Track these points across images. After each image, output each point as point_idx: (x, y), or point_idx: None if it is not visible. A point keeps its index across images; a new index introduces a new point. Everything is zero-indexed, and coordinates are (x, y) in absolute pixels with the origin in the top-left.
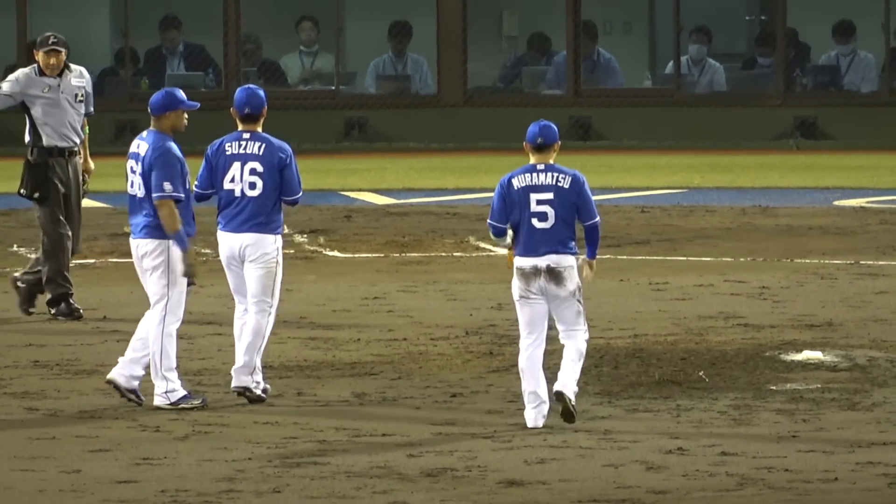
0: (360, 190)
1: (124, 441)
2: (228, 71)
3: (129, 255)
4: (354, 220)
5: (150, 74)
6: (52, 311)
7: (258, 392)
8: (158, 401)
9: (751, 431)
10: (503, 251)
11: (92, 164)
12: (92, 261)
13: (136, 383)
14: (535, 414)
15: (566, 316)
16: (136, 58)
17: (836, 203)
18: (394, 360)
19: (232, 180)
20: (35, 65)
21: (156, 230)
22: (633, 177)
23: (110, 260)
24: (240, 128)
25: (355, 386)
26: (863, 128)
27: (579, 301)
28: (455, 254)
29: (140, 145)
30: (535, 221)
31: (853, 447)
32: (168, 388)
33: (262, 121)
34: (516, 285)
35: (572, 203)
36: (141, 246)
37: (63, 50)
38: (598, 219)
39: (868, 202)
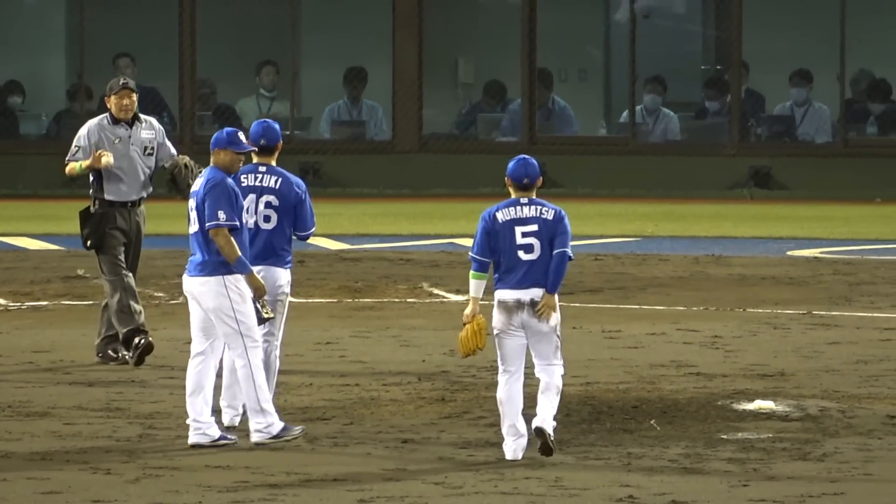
0: (315, 236)
1: (75, 483)
2: (183, 115)
3: (82, 297)
4: (308, 264)
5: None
6: (127, 355)
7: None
8: (258, 437)
9: (702, 480)
10: (461, 298)
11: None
12: (45, 303)
13: (215, 431)
14: (514, 447)
15: (544, 350)
16: (91, 96)
17: (789, 253)
18: (346, 405)
19: (246, 212)
20: (107, 114)
21: (213, 267)
22: (586, 224)
23: (63, 302)
24: (255, 160)
25: (307, 430)
26: (817, 178)
27: (558, 336)
28: (408, 300)
29: (198, 182)
30: (521, 254)
31: (804, 497)
32: (268, 421)
33: (276, 154)
34: (497, 319)
35: (553, 234)
36: (196, 284)
37: (135, 92)
38: (568, 251)
39: (821, 252)
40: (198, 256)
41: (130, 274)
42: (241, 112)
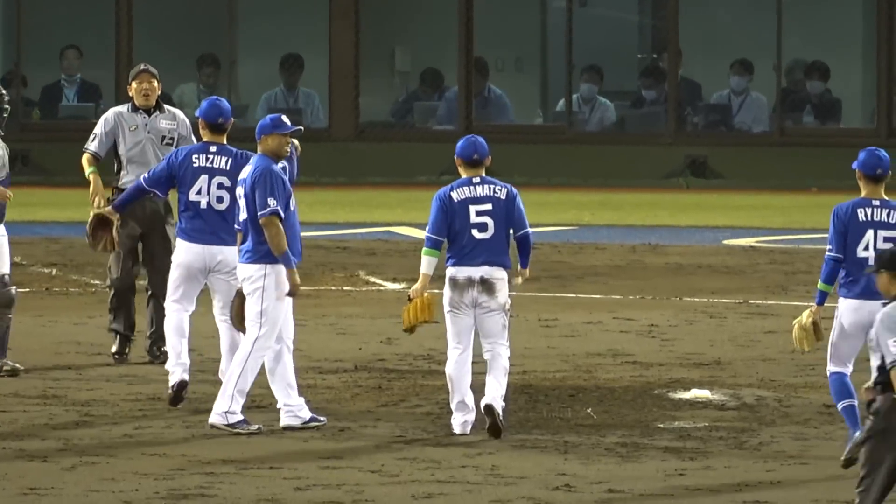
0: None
1: (11, 471)
2: (120, 101)
3: (16, 284)
4: None
5: (43, 104)
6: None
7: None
8: (216, 419)
9: (638, 469)
10: (398, 286)
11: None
12: None
13: (306, 412)
14: (462, 421)
15: (492, 329)
16: (27, 84)
17: (725, 242)
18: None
19: (198, 192)
20: (130, 101)
21: (258, 254)
22: None
23: None
24: (204, 139)
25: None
26: (753, 168)
27: (506, 314)
28: (345, 288)
29: (246, 170)
30: (475, 232)
31: (740, 486)
32: (231, 408)
33: (224, 134)
34: (447, 296)
35: (508, 214)
36: (242, 271)
37: (155, 78)
38: (529, 229)
39: (757, 241)
40: (247, 243)
41: (136, 271)
42: (180, 99)
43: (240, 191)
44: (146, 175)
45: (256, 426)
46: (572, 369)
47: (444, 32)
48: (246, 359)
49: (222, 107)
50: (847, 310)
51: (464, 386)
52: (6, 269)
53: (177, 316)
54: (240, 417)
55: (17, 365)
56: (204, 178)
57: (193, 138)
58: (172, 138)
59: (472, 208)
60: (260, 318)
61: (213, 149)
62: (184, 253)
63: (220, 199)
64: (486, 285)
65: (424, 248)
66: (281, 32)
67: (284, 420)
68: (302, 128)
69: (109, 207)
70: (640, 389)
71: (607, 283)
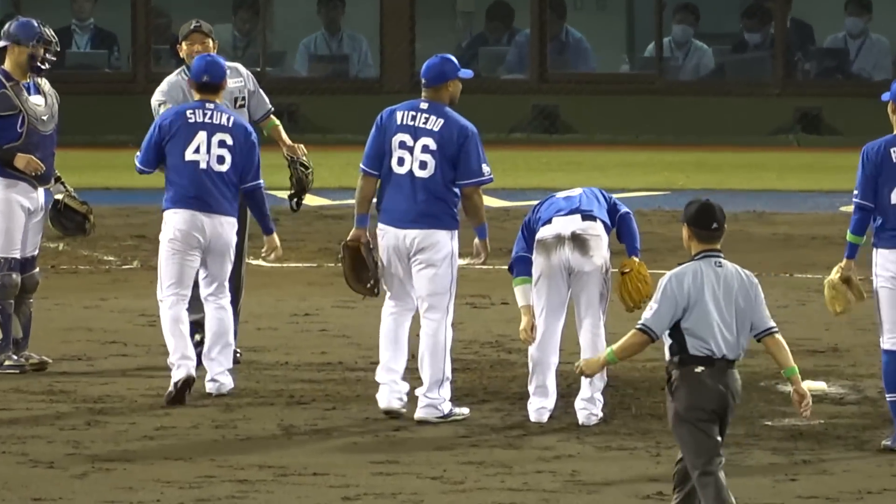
0: (288, 189)
1: (12, 479)
2: (137, 49)
3: None
4: (282, 223)
5: None
6: None
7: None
8: (426, 413)
9: (743, 473)
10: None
11: (301, 146)
12: None
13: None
14: (539, 407)
15: (590, 299)
16: None
17: (842, 209)
18: (327, 387)
19: (196, 151)
20: (183, 66)
21: (442, 220)
22: (606, 176)
23: None
24: (196, 98)
25: (283, 417)
26: (874, 121)
27: (606, 281)
28: None
29: (428, 120)
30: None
31: (861, 493)
32: (442, 396)
33: (220, 94)
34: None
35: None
36: (420, 238)
37: (210, 36)
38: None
39: None
40: (426, 205)
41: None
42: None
43: (427, 141)
44: (140, 156)
45: (467, 409)
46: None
47: None
48: (445, 338)
49: (212, 63)
50: (886, 261)
51: (547, 368)
52: (32, 250)
53: (172, 311)
54: (450, 406)
55: (45, 357)
56: (202, 134)
57: (261, 92)
58: (244, 98)
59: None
60: (451, 288)
61: (210, 105)
62: (173, 224)
63: (220, 160)
64: (579, 242)
65: (515, 277)
66: None
67: (421, 412)
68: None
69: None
70: (744, 381)
71: None
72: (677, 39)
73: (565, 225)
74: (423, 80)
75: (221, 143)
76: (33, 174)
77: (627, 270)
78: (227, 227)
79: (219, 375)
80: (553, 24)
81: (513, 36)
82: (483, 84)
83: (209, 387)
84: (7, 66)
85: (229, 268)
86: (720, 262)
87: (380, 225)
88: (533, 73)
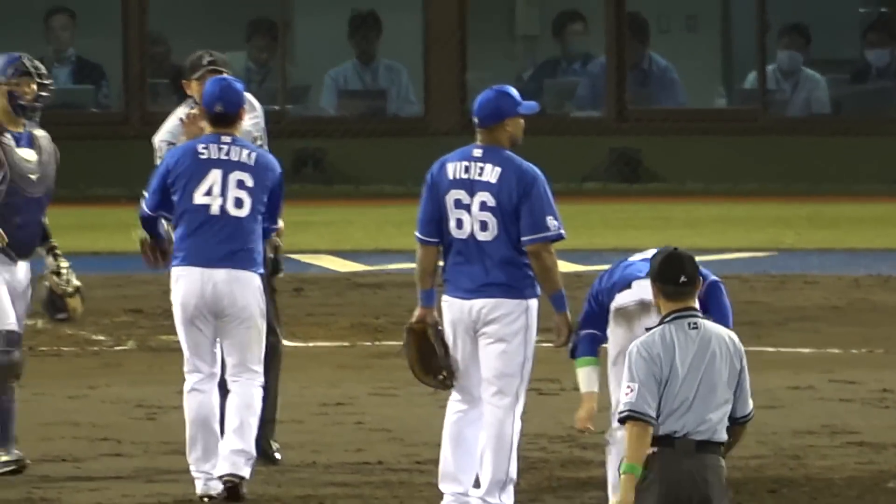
0: (315, 252)
1: None
2: (129, 83)
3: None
4: (308, 294)
5: None
6: None
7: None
8: None
9: None
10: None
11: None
12: None
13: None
14: None
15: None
16: None
17: None
18: (364, 491)
19: (208, 193)
20: (190, 101)
21: (513, 287)
22: (699, 234)
23: None
24: (209, 131)
25: None
26: None
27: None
28: None
29: (483, 169)
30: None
31: None
32: (504, 502)
33: (239, 125)
34: (616, 334)
35: None
36: (487, 309)
37: (226, 69)
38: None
39: None
40: (493, 273)
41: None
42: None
43: (485, 196)
44: (145, 195)
45: None
46: (773, 453)
47: None
48: (512, 431)
49: (227, 88)
50: None
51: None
52: (10, 322)
53: (191, 396)
54: None
55: (23, 457)
56: (216, 173)
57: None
58: (262, 137)
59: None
60: (523, 370)
61: (225, 139)
62: (180, 283)
63: (238, 203)
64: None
65: (578, 358)
66: None
67: None
68: (536, 104)
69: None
70: (869, 482)
71: (820, 332)
72: (784, 67)
73: (648, 289)
74: (476, 119)
75: (240, 184)
76: None
77: None
78: (245, 285)
79: (234, 457)
80: (634, 50)
81: (585, 65)
82: (550, 123)
83: (219, 470)
84: None
85: (256, 338)
86: (695, 323)
87: (444, 297)
88: (610, 109)
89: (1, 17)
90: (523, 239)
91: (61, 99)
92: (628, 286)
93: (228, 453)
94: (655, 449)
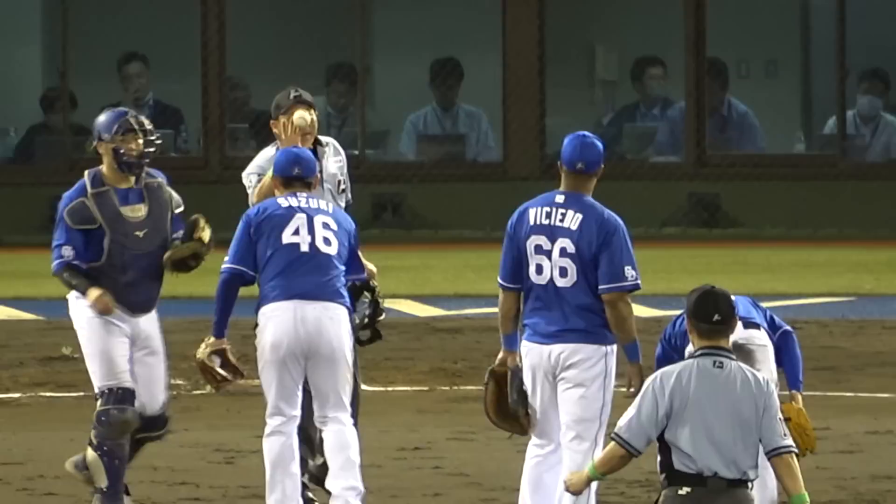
0: (394, 296)
1: None
2: (208, 128)
3: (68, 386)
4: (387, 338)
5: None
6: None
7: None
8: None
9: None
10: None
11: (371, 266)
12: (16, 395)
13: None
14: None
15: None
16: (76, 104)
17: None
18: None
19: (296, 233)
20: (276, 142)
21: (592, 333)
22: (778, 279)
23: (42, 394)
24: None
25: None
26: None
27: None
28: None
29: (565, 216)
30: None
31: None
32: None
33: (314, 190)
34: None
35: None
36: (566, 354)
37: (314, 108)
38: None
39: None
40: (571, 319)
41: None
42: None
43: (565, 242)
44: (228, 260)
45: None
46: (851, 498)
47: (665, 25)
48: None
49: (300, 155)
50: None
51: None
52: (122, 378)
53: (271, 439)
54: None
55: None
56: (301, 216)
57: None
58: (346, 181)
59: None
60: (601, 415)
61: (303, 193)
62: (274, 324)
63: (326, 241)
64: (744, 354)
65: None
66: (432, 25)
67: None
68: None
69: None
70: None
71: None
72: (863, 113)
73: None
74: (576, 165)
75: (325, 226)
76: (102, 314)
77: (786, 418)
78: (337, 320)
79: (346, 494)
80: (713, 95)
81: (664, 110)
82: (630, 168)
83: None
84: (103, 167)
85: (346, 375)
86: (721, 363)
87: (523, 342)
88: (689, 154)
89: (77, 62)
90: (600, 287)
91: None
92: None
93: (339, 491)
94: (688, 490)
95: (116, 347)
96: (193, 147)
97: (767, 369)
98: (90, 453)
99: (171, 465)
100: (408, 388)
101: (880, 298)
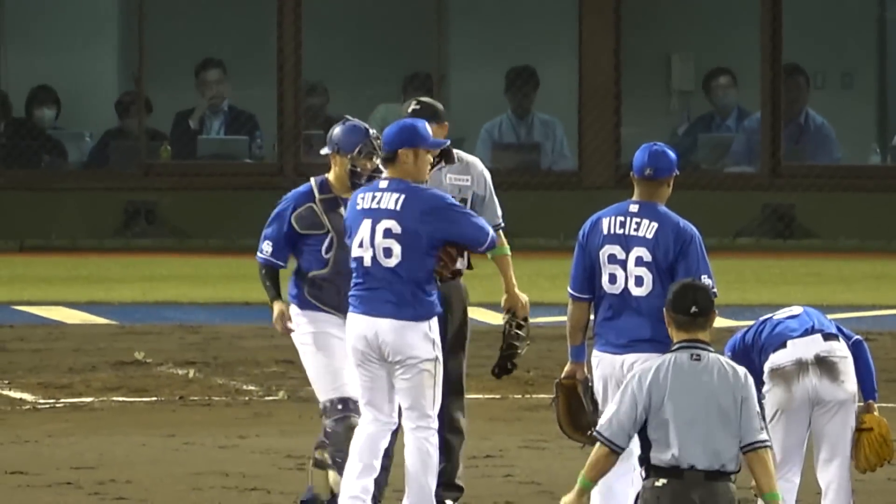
0: (470, 305)
1: None
2: (284, 134)
3: (140, 391)
4: None
5: (176, 138)
6: None
7: None
8: None
9: None
10: None
11: (523, 297)
12: (89, 399)
13: None
14: None
15: (836, 436)
16: (152, 108)
17: None
18: None
19: (360, 245)
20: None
21: (666, 343)
22: (852, 290)
23: (115, 398)
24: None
25: None
26: None
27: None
28: None
29: (640, 225)
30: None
31: None
32: None
33: (400, 165)
34: (776, 397)
35: None
36: (640, 363)
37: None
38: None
39: None
40: (643, 328)
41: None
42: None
43: (641, 252)
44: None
45: None
46: None
47: (742, 35)
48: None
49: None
50: None
51: None
52: (343, 387)
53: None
54: None
55: None
56: (367, 223)
57: (496, 200)
58: (469, 200)
59: None
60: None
61: (383, 184)
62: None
63: (388, 252)
64: (827, 366)
65: None
66: (508, 34)
67: None
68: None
69: None
70: None
71: None
72: None
73: (806, 348)
74: (650, 171)
75: (387, 233)
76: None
77: (867, 428)
78: (411, 335)
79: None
80: (791, 105)
81: (741, 120)
82: (705, 178)
83: None
84: (331, 175)
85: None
86: (698, 355)
87: (594, 352)
88: (764, 165)
89: (153, 67)
90: None
91: (215, 149)
92: (783, 345)
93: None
94: (664, 481)
95: (338, 359)
96: (268, 153)
97: (850, 381)
98: (333, 477)
99: (243, 471)
100: (480, 396)
101: None
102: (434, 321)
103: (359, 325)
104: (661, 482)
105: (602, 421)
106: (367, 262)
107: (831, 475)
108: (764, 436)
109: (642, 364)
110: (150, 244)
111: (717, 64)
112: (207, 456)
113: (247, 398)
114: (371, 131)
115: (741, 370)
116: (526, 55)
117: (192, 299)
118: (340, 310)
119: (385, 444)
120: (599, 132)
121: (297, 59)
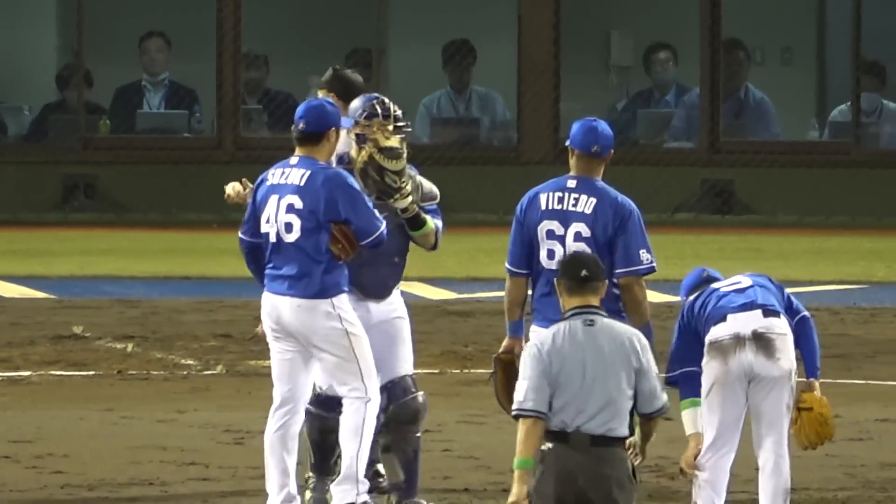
0: (405, 279)
1: None
2: (223, 108)
3: (78, 365)
4: None
5: (115, 112)
6: None
7: None
8: None
9: None
10: None
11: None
12: (27, 373)
13: None
14: None
15: (773, 414)
16: (92, 83)
17: None
18: None
19: (267, 221)
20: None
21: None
22: (790, 266)
23: (52, 372)
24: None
25: None
26: None
27: (792, 391)
28: None
29: (578, 200)
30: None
31: None
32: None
33: (324, 146)
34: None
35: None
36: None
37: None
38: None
39: None
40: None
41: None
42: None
43: (580, 227)
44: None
45: None
46: (860, 486)
47: (680, 11)
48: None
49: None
50: None
51: (717, 498)
52: (407, 367)
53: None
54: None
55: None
56: (273, 198)
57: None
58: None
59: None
60: None
61: (293, 160)
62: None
63: (288, 227)
64: (763, 342)
65: (682, 401)
66: (445, 7)
67: None
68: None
69: None
70: None
71: None
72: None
73: (745, 323)
74: (592, 148)
75: (290, 208)
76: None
77: (807, 407)
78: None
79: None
80: (730, 81)
81: (679, 96)
82: (643, 153)
83: None
84: (353, 151)
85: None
86: (592, 320)
87: (533, 327)
88: (703, 140)
89: (95, 40)
90: (616, 271)
91: (154, 123)
92: (723, 319)
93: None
94: (550, 445)
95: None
96: (207, 128)
97: (787, 358)
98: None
99: (181, 446)
100: (419, 371)
101: (892, 286)
102: (340, 298)
103: (266, 304)
104: (546, 446)
105: (517, 397)
106: (273, 237)
107: (768, 452)
108: (660, 403)
109: (537, 334)
110: (89, 218)
111: (656, 39)
112: (146, 430)
113: (185, 373)
114: (378, 96)
115: (636, 333)
116: (464, 29)
117: (132, 273)
118: (359, 288)
119: (297, 429)
120: (538, 107)
121: (237, 33)
